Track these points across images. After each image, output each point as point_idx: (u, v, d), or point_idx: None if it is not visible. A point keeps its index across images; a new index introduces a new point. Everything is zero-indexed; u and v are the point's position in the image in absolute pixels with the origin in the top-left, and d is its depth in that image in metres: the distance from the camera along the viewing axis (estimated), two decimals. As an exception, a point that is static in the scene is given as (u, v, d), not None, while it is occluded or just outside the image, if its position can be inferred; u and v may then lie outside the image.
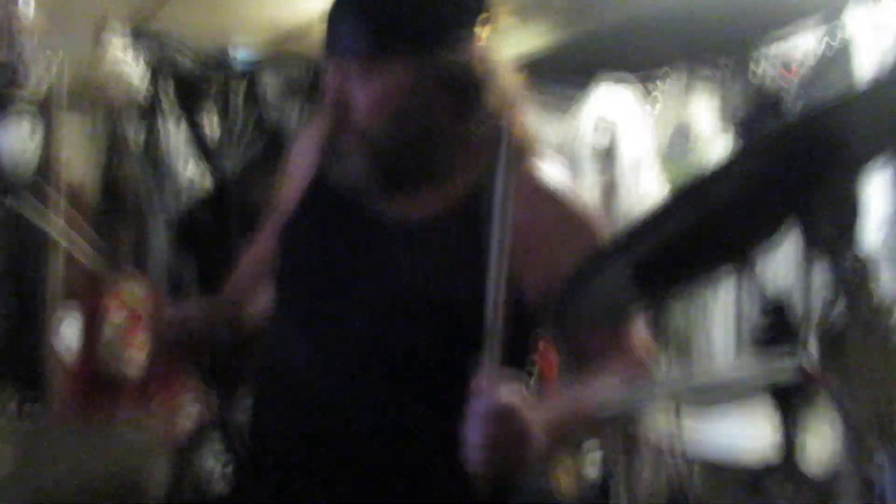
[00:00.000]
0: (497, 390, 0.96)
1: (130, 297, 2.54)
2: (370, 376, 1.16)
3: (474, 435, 0.95)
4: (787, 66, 2.96)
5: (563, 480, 2.63)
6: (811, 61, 2.90)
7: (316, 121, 1.37)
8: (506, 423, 0.95)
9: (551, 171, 1.27)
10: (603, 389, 1.14)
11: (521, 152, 1.17)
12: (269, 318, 1.28)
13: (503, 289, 0.99)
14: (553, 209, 1.23)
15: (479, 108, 1.19)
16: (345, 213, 1.23)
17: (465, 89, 1.18)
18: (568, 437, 1.17)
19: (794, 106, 2.91)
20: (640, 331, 1.23)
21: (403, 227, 1.20)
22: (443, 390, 1.10)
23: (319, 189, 1.26)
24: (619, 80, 3.41)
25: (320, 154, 1.27)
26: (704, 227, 0.78)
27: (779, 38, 3.04)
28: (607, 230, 1.26)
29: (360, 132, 1.15)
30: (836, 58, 2.83)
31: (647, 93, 3.50)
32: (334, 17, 1.16)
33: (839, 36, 2.82)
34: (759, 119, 3.02)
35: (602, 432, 1.25)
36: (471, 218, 1.18)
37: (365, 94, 1.14)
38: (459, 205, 1.20)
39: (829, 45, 2.85)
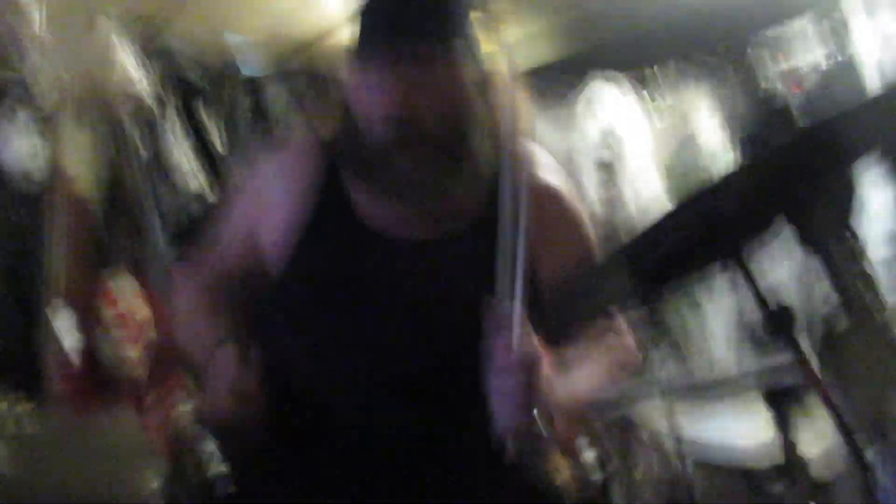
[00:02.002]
0: (523, 338, 0.95)
1: (128, 297, 2.54)
2: (401, 391, 1.14)
3: (503, 384, 0.95)
4: (790, 69, 2.97)
5: (563, 479, 2.62)
6: (813, 62, 2.91)
7: (296, 141, 1.31)
8: (532, 370, 0.95)
9: (547, 163, 1.28)
10: (594, 373, 1.17)
11: (524, 167, 1.15)
12: (276, 340, 1.22)
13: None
14: (556, 206, 1.25)
15: (493, 106, 1.20)
16: (361, 232, 1.19)
17: (487, 87, 1.19)
18: (574, 408, 1.15)
19: (797, 109, 2.92)
20: (621, 321, 1.28)
21: (423, 244, 1.19)
22: (474, 401, 1.09)
23: (328, 209, 1.21)
24: (610, 79, 3.40)
25: (323, 172, 1.23)
26: (702, 225, 0.78)
27: (779, 38, 3.04)
28: (595, 223, 1.30)
29: (420, 134, 1.12)
30: (839, 58, 2.84)
31: (643, 92, 3.49)
32: (392, 20, 1.12)
33: (841, 37, 2.82)
34: (760, 122, 3.03)
35: (591, 417, 1.26)
36: (487, 231, 1.16)
37: (430, 95, 1.12)
38: (474, 218, 1.20)
39: (832, 46, 2.86)
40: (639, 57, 3.52)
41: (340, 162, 1.23)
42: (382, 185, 1.16)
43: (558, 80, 3.64)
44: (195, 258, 1.34)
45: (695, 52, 3.36)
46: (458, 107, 1.15)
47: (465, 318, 1.11)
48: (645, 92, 3.46)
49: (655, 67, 3.45)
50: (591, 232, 1.26)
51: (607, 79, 3.40)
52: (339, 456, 1.16)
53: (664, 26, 3.29)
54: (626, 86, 3.40)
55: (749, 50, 3.03)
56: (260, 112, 3.21)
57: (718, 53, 3.20)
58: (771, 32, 3.01)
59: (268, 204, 1.23)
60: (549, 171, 1.27)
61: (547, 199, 1.23)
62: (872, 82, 2.68)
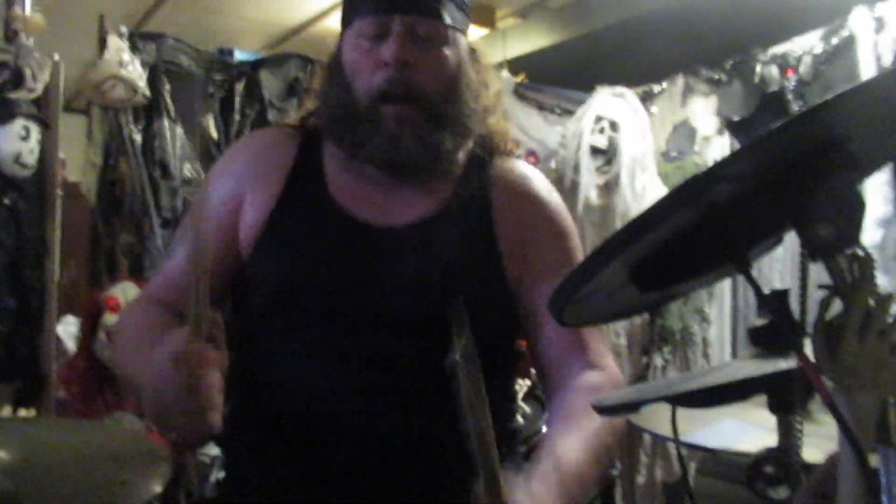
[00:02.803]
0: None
1: (129, 299, 2.54)
2: (388, 386, 1.12)
3: None
4: (788, 66, 2.97)
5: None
6: (813, 62, 2.91)
7: (266, 131, 1.29)
8: None
9: (529, 172, 1.32)
10: (591, 448, 1.11)
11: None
12: (248, 334, 1.19)
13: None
14: (541, 214, 1.28)
15: (478, 90, 1.24)
16: (336, 215, 1.18)
17: (477, 71, 1.25)
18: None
19: (795, 107, 2.92)
20: (598, 339, 1.26)
21: (395, 232, 1.18)
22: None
23: (303, 193, 1.20)
24: (618, 94, 3.40)
25: (297, 156, 1.22)
26: (703, 226, 0.78)
27: (780, 39, 3.04)
28: (575, 228, 1.32)
29: (409, 90, 1.14)
30: (838, 55, 2.84)
31: (647, 98, 3.49)
32: None
33: (842, 36, 2.82)
34: (759, 120, 3.03)
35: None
36: (459, 218, 1.20)
37: (427, 53, 1.15)
38: (445, 206, 1.21)
39: (831, 46, 2.86)
40: (643, 59, 3.53)
41: (317, 138, 1.23)
42: (362, 141, 1.16)
43: (566, 95, 3.65)
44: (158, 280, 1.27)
45: (699, 54, 3.37)
46: (450, 74, 1.18)
47: (443, 303, 1.12)
48: (655, 109, 3.47)
49: (663, 84, 3.45)
50: (576, 241, 1.30)
51: (615, 94, 3.40)
52: (321, 445, 1.12)
53: (670, 39, 3.30)
54: (634, 99, 3.39)
55: (759, 67, 3.02)
56: (255, 99, 3.21)
57: (726, 69, 3.20)
58: (780, 48, 3.01)
59: (241, 197, 1.20)
60: (534, 181, 1.30)
61: (533, 209, 1.27)
62: (868, 69, 2.68)
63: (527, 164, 1.34)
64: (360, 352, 1.12)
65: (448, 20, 1.16)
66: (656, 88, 3.50)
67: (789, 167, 0.74)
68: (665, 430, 1.18)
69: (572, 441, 1.09)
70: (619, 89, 3.42)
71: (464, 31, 1.21)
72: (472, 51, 1.25)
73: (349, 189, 1.20)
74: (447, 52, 1.17)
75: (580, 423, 1.12)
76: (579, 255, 1.29)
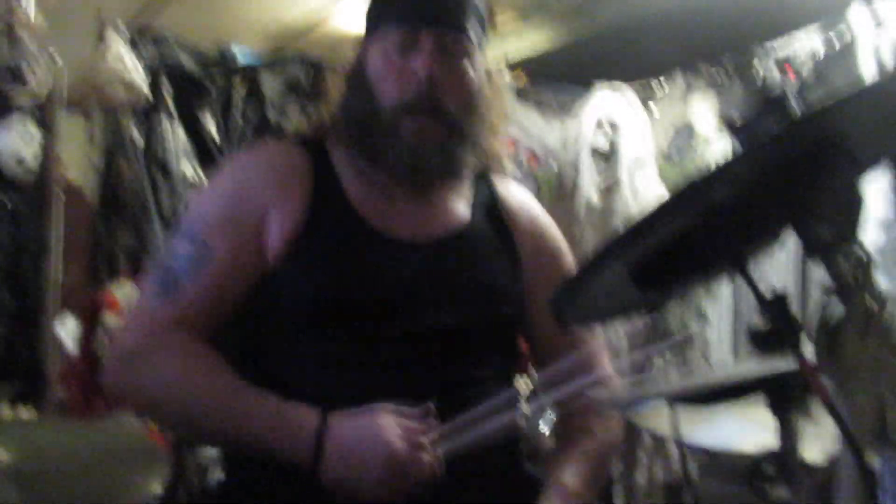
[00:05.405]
0: None
1: (129, 298, 2.54)
2: (423, 399, 1.09)
3: None
4: (789, 66, 2.97)
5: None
6: (813, 61, 2.91)
7: (278, 142, 1.28)
8: None
9: (524, 191, 1.36)
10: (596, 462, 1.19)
11: None
12: (277, 356, 1.16)
13: None
14: (547, 232, 1.33)
15: (492, 106, 1.26)
16: (361, 230, 1.17)
17: (492, 87, 1.27)
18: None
19: (795, 107, 2.92)
20: (599, 344, 1.31)
21: (426, 247, 1.19)
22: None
23: (326, 210, 1.18)
24: (616, 88, 3.40)
25: (315, 171, 1.20)
26: (702, 228, 0.78)
27: (780, 38, 3.04)
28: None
29: (434, 105, 1.15)
30: (839, 58, 2.84)
31: (647, 96, 3.50)
32: None
33: (842, 35, 2.82)
34: (759, 120, 3.03)
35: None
36: (483, 234, 1.23)
37: (457, 73, 1.17)
38: (468, 222, 1.24)
39: (831, 45, 2.86)
40: (643, 60, 3.54)
41: (323, 150, 1.22)
42: (384, 150, 1.16)
43: (564, 90, 3.65)
44: (162, 299, 1.15)
45: (699, 55, 3.37)
46: (472, 90, 1.20)
47: (472, 319, 1.15)
48: (651, 103, 3.47)
49: (662, 79, 3.45)
50: (566, 250, 1.34)
51: (613, 89, 3.40)
52: None
53: (670, 37, 3.30)
54: (632, 96, 3.40)
55: (756, 61, 3.03)
56: (256, 100, 3.21)
57: (725, 66, 3.20)
58: (777, 43, 3.02)
59: (265, 214, 1.17)
60: (532, 201, 1.35)
61: (541, 226, 1.31)
62: (870, 71, 2.68)
63: (517, 184, 1.38)
64: (400, 365, 1.12)
65: (472, 35, 1.18)
66: (657, 88, 3.50)
67: (789, 167, 0.74)
68: (665, 430, 1.18)
69: (576, 466, 1.16)
70: (618, 83, 3.42)
71: (483, 47, 1.22)
72: (491, 73, 1.27)
73: (371, 203, 1.19)
74: (470, 67, 1.19)
75: (581, 445, 1.20)
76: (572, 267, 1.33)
